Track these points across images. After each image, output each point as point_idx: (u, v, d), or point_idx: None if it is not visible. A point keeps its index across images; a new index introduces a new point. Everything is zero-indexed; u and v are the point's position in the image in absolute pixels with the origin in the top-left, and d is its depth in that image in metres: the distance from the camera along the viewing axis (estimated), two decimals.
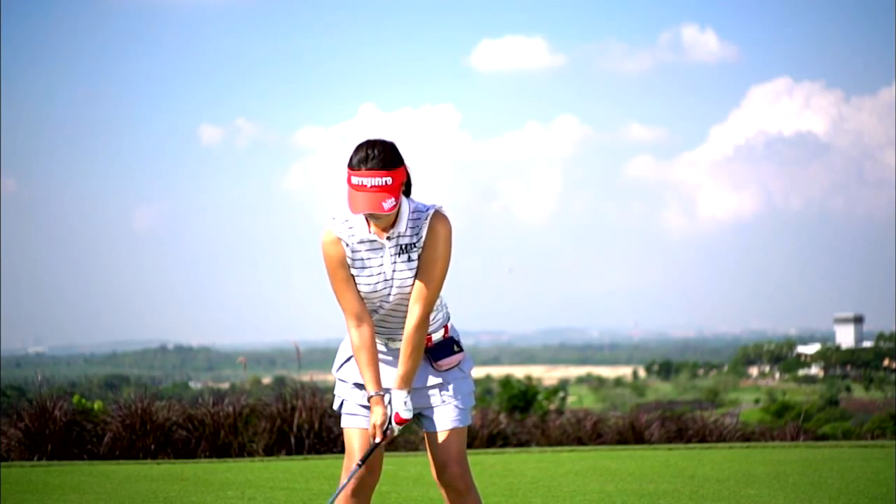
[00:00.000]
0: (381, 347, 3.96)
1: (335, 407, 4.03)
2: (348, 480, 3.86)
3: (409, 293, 3.82)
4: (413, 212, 3.80)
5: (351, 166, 3.69)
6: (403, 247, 3.78)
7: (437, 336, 3.95)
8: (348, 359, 4.02)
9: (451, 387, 3.93)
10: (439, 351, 3.94)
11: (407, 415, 3.77)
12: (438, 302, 3.94)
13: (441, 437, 3.90)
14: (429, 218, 3.79)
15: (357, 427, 3.93)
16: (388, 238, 3.78)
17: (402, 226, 3.77)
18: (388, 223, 3.76)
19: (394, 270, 3.80)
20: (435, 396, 3.92)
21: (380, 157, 3.67)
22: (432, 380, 3.93)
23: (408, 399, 3.78)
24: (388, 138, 3.78)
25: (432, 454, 3.94)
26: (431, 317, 3.89)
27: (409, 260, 3.79)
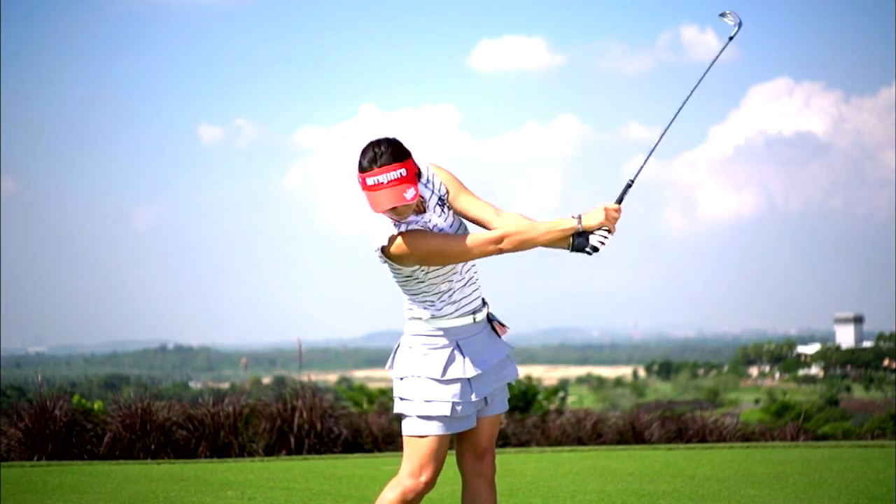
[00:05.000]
0: (466, 321, 3.81)
1: (423, 412, 3.72)
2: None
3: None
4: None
5: (362, 169, 3.63)
6: (440, 199, 3.80)
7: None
8: (445, 352, 3.78)
9: (507, 362, 3.89)
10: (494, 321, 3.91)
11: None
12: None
13: (491, 423, 3.84)
14: (430, 169, 3.82)
15: (448, 435, 3.75)
16: (425, 210, 3.78)
17: (427, 195, 3.77)
18: (407, 214, 3.70)
19: (448, 224, 3.79)
20: (500, 374, 3.87)
21: (388, 151, 3.64)
22: (503, 351, 3.88)
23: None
24: (390, 135, 3.77)
25: (473, 442, 3.83)
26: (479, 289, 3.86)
27: (444, 211, 3.80)
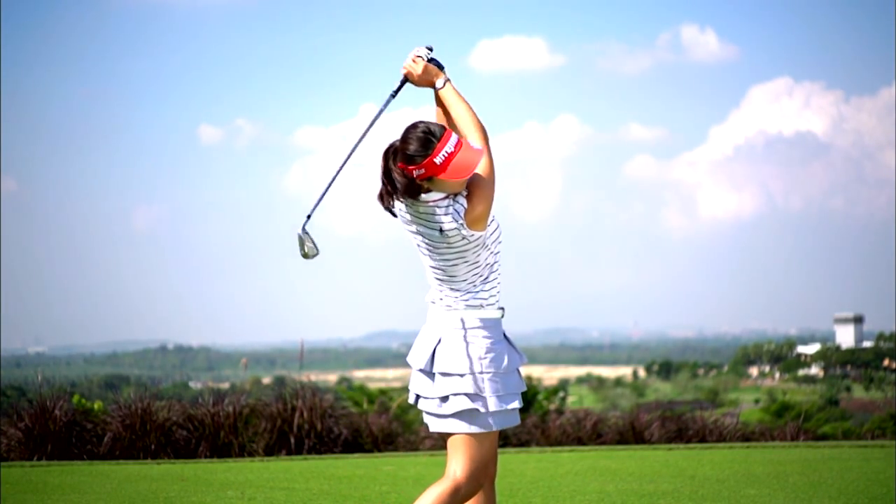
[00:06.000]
0: (501, 314, 3.71)
1: (497, 406, 3.56)
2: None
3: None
4: None
5: (423, 156, 3.51)
6: None
7: None
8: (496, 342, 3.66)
9: None
10: None
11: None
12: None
13: None
14: None
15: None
16: None
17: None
18: (465, 183, 3.60)
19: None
20: None
21: (432, 126, 3.57)
22: None
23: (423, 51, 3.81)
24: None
25: None
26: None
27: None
